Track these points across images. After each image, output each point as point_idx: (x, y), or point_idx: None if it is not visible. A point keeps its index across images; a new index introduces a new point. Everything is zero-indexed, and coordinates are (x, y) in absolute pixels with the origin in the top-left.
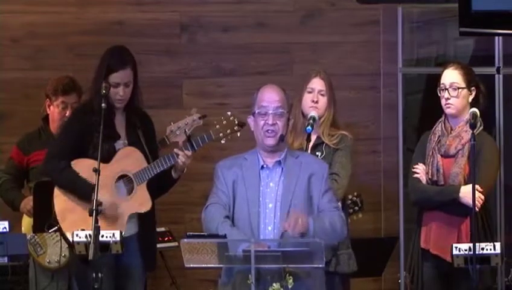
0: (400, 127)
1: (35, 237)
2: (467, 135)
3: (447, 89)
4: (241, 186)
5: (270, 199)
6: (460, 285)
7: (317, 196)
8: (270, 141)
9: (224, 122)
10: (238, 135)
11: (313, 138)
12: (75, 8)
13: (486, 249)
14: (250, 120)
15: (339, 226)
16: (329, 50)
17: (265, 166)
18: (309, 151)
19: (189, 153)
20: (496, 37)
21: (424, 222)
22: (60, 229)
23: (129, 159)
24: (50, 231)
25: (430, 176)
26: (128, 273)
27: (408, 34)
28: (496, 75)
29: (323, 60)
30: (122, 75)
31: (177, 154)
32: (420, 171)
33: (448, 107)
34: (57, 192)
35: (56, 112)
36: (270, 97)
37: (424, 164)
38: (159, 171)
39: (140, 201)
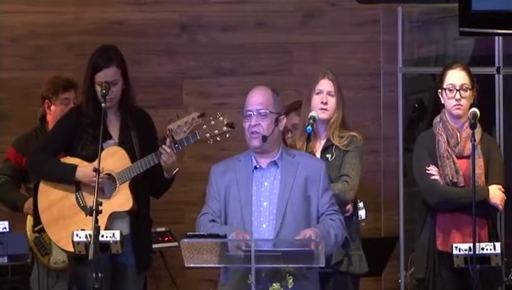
0: (399, 127)
1: (41, 237)
2: (477, 136)
3: (458, 90)
4: (234, 189)
5: (265, 197)
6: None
7: (315, 196)
8: (254, 143)
9: (213, 122)
10: (227, 136)
11: (323, 140)
12: (75, 7)
13: (486, 249)
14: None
15: (340, 235)
16: (329, 50)
17: (258, 167)
18: (319, 154)
19: (170, 151)
20: (496, 37)
21: (439, 224)
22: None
23: (113, 158)
24: (36, 228)
25: (450, 178)
26: (122, 273)
27: (408, 34)
28: (496, 75)
29: (323, 60)
30: (106, 74)
31: (161, 153)
32: (436, 173)
33: (458, 108)
34: (41, 189)
35: (59, 110)
36: (254, 100)
37: (435, 165)
38: (142, 170)
39: (122, 200)
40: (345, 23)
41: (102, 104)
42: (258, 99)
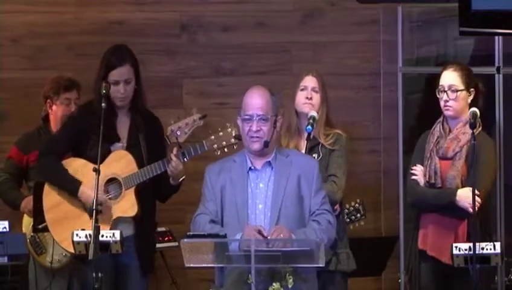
0: (400, 127)
1: (36, 236)
2: (464, 137)
3: (446, 92)
4: (229, 190)
5: (260, 199)
6: (456, 286)
7: (308, 195)
8: (255, 146)
9: (221, 133)
10: (235, 147)
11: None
12: (75, 7)
13: (486, 249)
14: (239, 122)
15: (326, 239)
16: (330, 50)
17: (253, 168)
18: (305, 152)
19: (177, 160)
20: (496, 37)
21: (421, 223)
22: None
23: (120, 163)
24: (39, 226)
25: (428, 179)
26: (126, 274)
27: (408, 34)
28: (496, 75)
29: (323, 59)
30: (120, 72)
31: (169, 162)
32: (418, 172)
33: (447, 110)
34: (46, 188)
35: (60, 109)
36: (254, 104)
37: (422, 165)
38: (148, 177)
39: (127, 206)
40: (345, 23)
41: (103, 104)
42: (258, 102)
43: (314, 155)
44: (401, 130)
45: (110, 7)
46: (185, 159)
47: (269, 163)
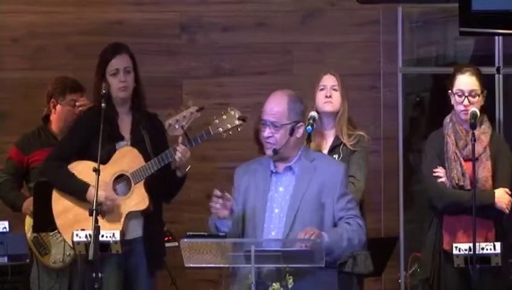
0: (400, 127)
1: (40, 237)
2: (485, 137)
3: (467, 97)
4: (251, 192)
5: (277, 203)
6: (485, 284)
7: (330, 203)
8: (268, 152)
9: (224, 116)
10: (239, 130)
11: (331, 138)
12: (75, 8)
13: (487, 249)
14: None
15: (357, 239)
16: (330, 50)
17: (275, 171)
18: (326, 153)
19: (185, 148)
20: (496, 37)
21: (446, 225)
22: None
23: (126, 158)
24: (51, 233)
25: (456, 181)
26: (134, 275)
27: (408, 34)
28: (496, 75)
29: (323, 60)
30: (118, 61)
31: (175, 150)
32: (443, 174)
33: (466, 114)
34: (55, 193)
35: (65, 110)
36: (268, 110)
37: (443, 167)
38: (156, 168)
39: (137, 200)
40: (345, 23)
41: (102, 104)
42: (272, 109)
43: (335, 156)
44: (401, 130)
45: (109, 7)
46: (192, 145)
47: (290, 167)
